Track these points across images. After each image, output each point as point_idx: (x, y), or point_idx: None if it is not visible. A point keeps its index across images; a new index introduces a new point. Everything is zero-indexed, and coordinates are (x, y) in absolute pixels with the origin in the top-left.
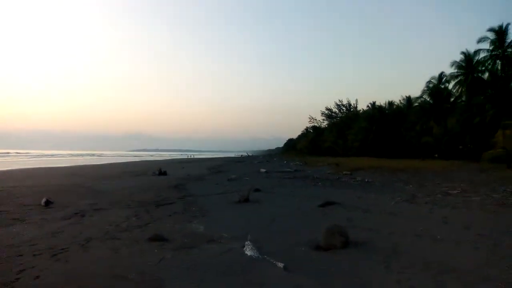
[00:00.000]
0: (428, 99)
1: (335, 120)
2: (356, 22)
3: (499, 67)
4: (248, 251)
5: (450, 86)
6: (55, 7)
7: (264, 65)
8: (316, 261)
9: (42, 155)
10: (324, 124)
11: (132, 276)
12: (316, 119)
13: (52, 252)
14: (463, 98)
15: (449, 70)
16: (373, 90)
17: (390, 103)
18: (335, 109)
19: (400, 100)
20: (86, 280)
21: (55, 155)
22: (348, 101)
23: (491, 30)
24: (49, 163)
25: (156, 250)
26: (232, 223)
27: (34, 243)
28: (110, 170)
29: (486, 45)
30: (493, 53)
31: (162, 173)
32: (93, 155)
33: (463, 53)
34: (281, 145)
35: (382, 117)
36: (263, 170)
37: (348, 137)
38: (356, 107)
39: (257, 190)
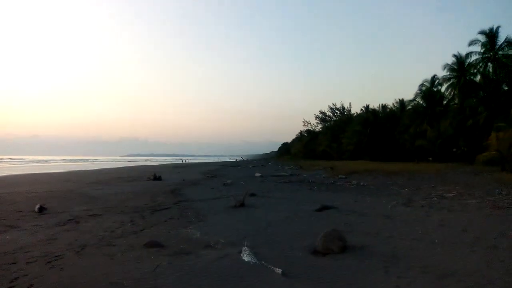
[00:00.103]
0: (421, 102)
1: (329, 123)
2: (350, 26)
3: (490, 70)
4: (246, 257)
5: (443, 89)
6: (53, 10)
7: (257, 69)
8: (315, 266)
9: (36, 160)
10: (318, 127)
11: (128, 283)
12: (310, 123)
13: (47, 259)
14: (456, 101)
15: (442, 73)
16: (366, 93)
17: (384, 107)
18: (329, 113)
19: (393, 103)
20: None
21: (49, 160)
22: (341, 105)
23: (482, 33)
24: (43, 169)
25: (152, 257)
26: (228, 228)
27: (28, 250)
28: (104, 176)
29: (477, 48)
30: (485, 55)
31: (157, 178)
32: (87, 160)
33: (455, 56)
34: (275, 149)
35: (375, 121)
36: (258, 174)
37: (342, 140)
38: (350, 110)
39: (252, 194)
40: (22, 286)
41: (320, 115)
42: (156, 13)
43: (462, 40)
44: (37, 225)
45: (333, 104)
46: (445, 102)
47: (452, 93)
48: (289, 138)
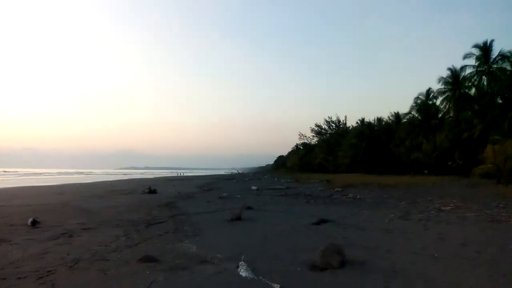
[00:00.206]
0: (416, 115)
1: (324, 136)
2: (345, 39)
3: (485, 83)
4: (243, 272)
5: (438, 102)
6: (49, 21)
7: (253, 82)
8: (313, 282)
9: (30, 173)
10: (314, 140)
11: None
12: (306, 136)
13: (38, 274)
14: (451, 114)
15: (436, 86)
16: (362, 106)
17: (379, 120)
18: (324, 126)
19: (388, 116)
20: None
21: (44, 173)
22: (337, 118)
23: (476, 46)
24: (37, 182)
25: (147, 272)
26: (225, 242)
27: (19, 265)
28: (98, 189)
29: (472, 61)
30: (479, 69)
31: (151, 191)
32: (81, 173)
33: (449, 69)
34: (271, 162)
35: (371, 134)
36: (254, 187)
37: (338, 153)
38: (346, 123)
39: (249, 208)
40: None
41: (316, 128)
42: (152, 26)
43: (456, 54)
44: (29, 239)
45: (329, 117)
46: (440, 115)
47: (447, 106)
48: (284, 151)
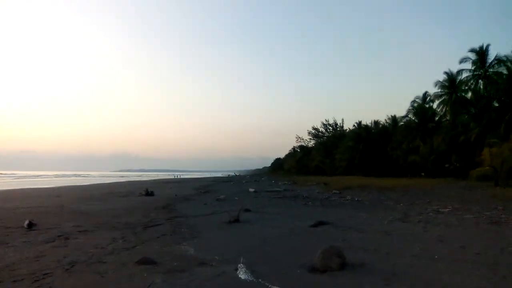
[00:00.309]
0: (413, 118)
1: (322, 139)
2: (342, 42)
3: (481, 87)
4: (242, 275)
5: (435, 105)
6: (44, 23)
7: (249, 85)
8: (313, 285)
9: (27, 176)
10: (311, 143)
11: None
12: (303, 139)
13: (34, 277)
14: (448, 117)
15: (433, 90)
16: (359, 109)
17: (376, 123)
18: (321, 129)
19: (385, 120)
20: None
21: (41, 176)
22: (334, 121)
23: (472, 50)
24: (33, 184)
25: (145, 274)
26: (223, 244)
27: (15, 268)
28: (95, 191)
29: (468, 65)
30: (475, 73)
31: (149, 193)
32: (78, 175)
33: (446, 73)
34: (268, 164)
35: (368, 136)
36: (251, 189)
37: (335, 156)
38: (343, 126)
39: (247, 210)
40: None
41: (313, 131)
42: (151, 30)
43: (453, 58)
44: (26, 241)
45: (326, 120)
46: (437, 118)
47: (444, 109)
48: (282, 154)
